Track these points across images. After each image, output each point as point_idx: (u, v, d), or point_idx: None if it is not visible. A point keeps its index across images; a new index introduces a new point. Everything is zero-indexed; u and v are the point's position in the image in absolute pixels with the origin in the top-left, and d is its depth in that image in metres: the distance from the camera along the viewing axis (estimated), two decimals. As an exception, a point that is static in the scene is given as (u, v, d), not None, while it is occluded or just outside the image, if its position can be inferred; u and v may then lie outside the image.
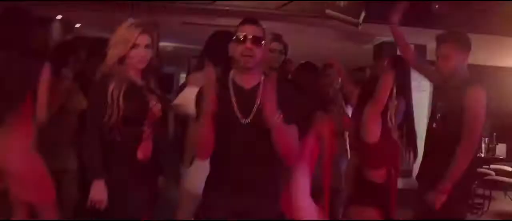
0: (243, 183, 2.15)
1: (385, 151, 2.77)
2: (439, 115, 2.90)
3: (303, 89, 2.99)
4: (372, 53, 6.17)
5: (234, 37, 2.17)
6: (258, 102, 2.14)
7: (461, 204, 2.85)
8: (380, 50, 5.88)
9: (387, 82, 2.71)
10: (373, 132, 2.73)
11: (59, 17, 5.42)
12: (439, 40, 2.89)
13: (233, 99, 2.15)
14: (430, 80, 3.24)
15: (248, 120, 2.13)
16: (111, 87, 2.30)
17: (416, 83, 5.23)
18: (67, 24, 5.56)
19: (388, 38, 5.62)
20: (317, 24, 4.87)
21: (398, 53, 5.32)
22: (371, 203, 2.74)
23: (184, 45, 7.84)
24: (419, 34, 4.93)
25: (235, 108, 2.14)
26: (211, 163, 2.24)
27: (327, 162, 2.88)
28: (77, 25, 6.14)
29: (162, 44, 8.01)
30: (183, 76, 12.48)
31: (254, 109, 2.13)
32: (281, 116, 2.04)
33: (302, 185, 2.74)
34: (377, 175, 2.77)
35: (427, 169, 2.94)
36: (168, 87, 9.71)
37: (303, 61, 3.24)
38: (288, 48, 3.64)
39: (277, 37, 3.52)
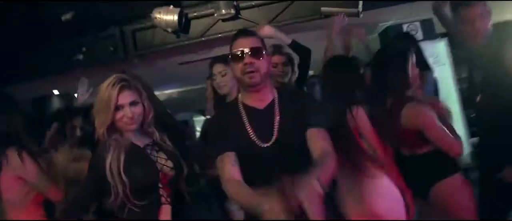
0: None
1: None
2: (481, 84, 2.61)
3: (333, 87, 2.66)
4: (378, 42, 5.87)
5: (230, 55, 1.96)
6: (278, 121, 1.91)
7: None
8: (385, 36, 5.57)
9: None
10: None
11: (56, 92, 5.31)
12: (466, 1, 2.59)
13: (247, 124, 1.93)
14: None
15: (268, 144, 1.89)
16: (107, 161, 2.02)
17: (433, 59, 4.98)
18: (65, 97, 5.42)
19: (392, 21, 5.37)
20: (315, 27, 4.62)
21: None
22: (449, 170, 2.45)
23: (188, 87, 7.66)
24: (423, 8, 4.64)
25: (251, 133, 1.91)
26: None
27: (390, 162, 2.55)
28: (76, 95, 5.99)
29: (167, 92, 7.88)
30: (196, 119, 12.33)
31: (275, 130, 1.89)
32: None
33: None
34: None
35: (489, 146, 2.63)
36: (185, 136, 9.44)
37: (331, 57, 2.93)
38: (293, 58, 3.39)
39: (277, 49, 3.24)
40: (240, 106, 1.99)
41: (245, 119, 1.94)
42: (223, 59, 2.82)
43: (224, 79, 2.83)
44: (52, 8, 4.03)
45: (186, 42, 4.56)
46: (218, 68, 2.86)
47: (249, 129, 1.92)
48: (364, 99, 2.59)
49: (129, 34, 4.54)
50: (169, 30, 4.35)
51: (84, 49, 4.40)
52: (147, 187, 2.07)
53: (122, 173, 2.01)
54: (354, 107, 2.51)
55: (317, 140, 1.88)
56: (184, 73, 6.01)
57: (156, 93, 6.72)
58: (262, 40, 1.99)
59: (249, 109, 1.96)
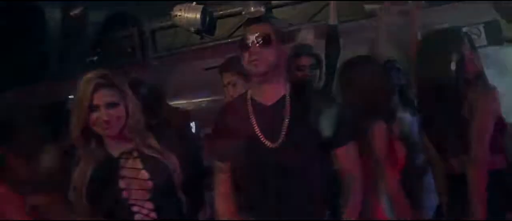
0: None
1: None
2: None
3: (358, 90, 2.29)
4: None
5: (239, 43, 1.92)
6: (287, 120, 1.85)
7: None
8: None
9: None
10: None
11: (71, 97, 5.02)
12: None
13: (254, 120, 1.88)
14: None
15: (276, 144, 1.84)
16: (73, 179, 1.87)
17: (494, 70, 4.33)
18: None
19: (437, 24, 4.75)
20: (354, 29, 4.09)
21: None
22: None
23: (218, 97, 7.21)
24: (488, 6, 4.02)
25: (258, 131, 1.87)
26: (244, 199, 1.96)
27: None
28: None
29: (194, 101, 7.47)
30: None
31: (284, 130, 1.84)
32: None
33: None
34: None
35: None
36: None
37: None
38: (322, 60, 2.92)
39: (304, 49, 2.83)
40: (248, 101, 1.93)
41: (251, 115, 1.90)
42: (231, 65, 2.55)
43: (237, 91, 2.49)
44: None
45: (211, 44, 4.17)
46: (227, 78, 2.59)
47: (255, 126, 1.88)
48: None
49: (148, 34, 4.14)
50: (192, 29, 3.95)
51: (98, 50, 4.02)
52: (106, 207, 1.87)
53: (84, 194, 1.84)
54: (375, 122, 2.16)
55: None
56: (211, 79, 5.58)
57: (182, 101, 6.29)
58: (273, 28, 1.90)
59: (256, 104, 1.92)
